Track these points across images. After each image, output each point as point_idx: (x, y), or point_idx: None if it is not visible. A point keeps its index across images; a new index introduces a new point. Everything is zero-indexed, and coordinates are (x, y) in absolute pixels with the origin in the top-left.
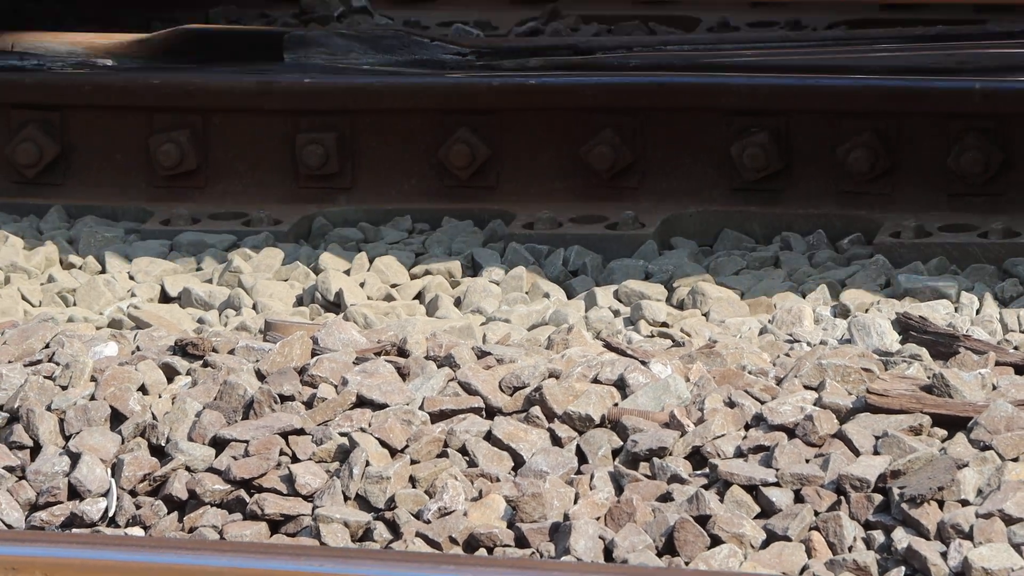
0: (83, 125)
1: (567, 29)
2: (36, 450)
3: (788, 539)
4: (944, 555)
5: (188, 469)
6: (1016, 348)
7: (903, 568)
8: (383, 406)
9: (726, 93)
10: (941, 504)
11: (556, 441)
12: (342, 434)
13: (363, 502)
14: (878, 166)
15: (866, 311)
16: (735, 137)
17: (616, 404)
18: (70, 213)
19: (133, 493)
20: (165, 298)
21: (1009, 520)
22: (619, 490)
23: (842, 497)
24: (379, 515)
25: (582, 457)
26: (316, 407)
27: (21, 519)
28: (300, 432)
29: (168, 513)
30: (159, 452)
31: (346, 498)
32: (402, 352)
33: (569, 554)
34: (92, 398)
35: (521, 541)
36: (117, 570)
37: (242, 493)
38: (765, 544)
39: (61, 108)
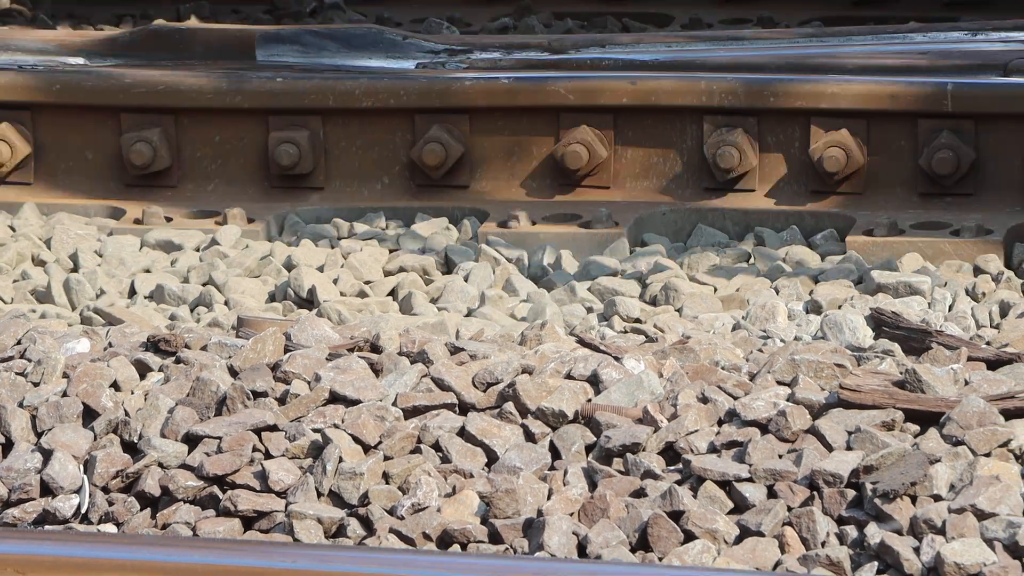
0: (53, 124)
1: (540, 25)
2: (8, 447)
3: (761, 534)
4: (917, 550)
5: (161, 466)
6: (988, 343)
7: (876, 563)
8: (356, 402)
9: (699, 92)
10: (914, 499)
11: (530, 437)
12: (315, 430)
13: (336, 498)
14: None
15: (839, 307)
16: (709, 136)
17: (589, 400)
18: (42, 211)
19: (106, 490)
20: (137, 295)
21: (981, 515)
22: (592, 486)
23: (815, 492)
24: (353, 511)
25: (556, 453)
26: (289, 403)
27: None
28: (273, 428)
29: (141, 510)
30: (132, 449)
31: (319, 494)
32: (375, 348)
33: (543, 550)
34: (64, 394)
35: (495, 537)
36: (90, 567)
37: (215, 489)
38: (738, 540)
39: (31, 107)
